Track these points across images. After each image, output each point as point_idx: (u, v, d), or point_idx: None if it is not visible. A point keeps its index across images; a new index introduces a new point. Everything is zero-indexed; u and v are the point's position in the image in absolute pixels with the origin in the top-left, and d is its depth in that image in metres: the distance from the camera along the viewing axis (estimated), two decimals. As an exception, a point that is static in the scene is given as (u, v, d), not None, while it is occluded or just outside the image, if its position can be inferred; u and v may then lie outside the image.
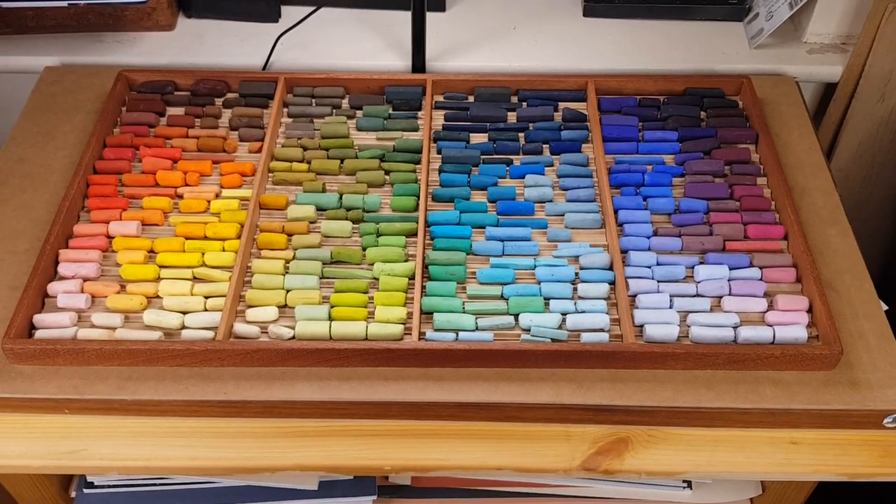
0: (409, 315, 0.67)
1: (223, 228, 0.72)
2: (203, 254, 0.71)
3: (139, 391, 0.64)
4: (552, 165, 0.79)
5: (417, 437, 0.64)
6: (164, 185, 0.77)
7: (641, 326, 0.66)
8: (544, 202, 0.76)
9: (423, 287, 0.68)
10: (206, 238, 0.73)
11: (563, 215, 0.74)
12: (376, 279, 0.70)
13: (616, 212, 0.74)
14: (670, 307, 0.67)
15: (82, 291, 0.69)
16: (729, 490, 0.80)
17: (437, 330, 0.66)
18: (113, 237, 0.73)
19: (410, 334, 0.66)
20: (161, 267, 0.71)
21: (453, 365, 0.65)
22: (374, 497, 0.72)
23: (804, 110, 0.87)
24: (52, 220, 0.73)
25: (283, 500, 0.73)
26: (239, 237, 0.72)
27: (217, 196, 0.76)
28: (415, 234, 0.73)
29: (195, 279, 0.70)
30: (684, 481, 0.80)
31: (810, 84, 0.98)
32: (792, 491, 0.80)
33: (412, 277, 0.69)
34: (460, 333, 0.65)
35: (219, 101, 0.85)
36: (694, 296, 0.68)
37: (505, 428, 0.65)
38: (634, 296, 0.68)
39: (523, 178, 0.78)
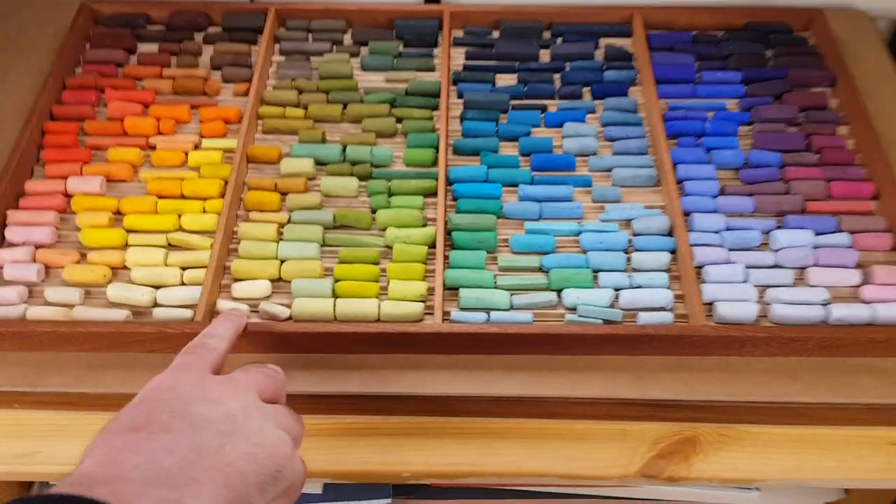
0: (430, 291, 0.55)
1: (203, 186, 0.60)
2: (179, 216, 0.59)
3: (103, 382, 0.53)
4: (594, 112, 0.67)
5: (442, 437, 0.54)
6: (133, 135, 0.65)
7: (711, 304, 0.55)
8: (587, 155, 0.64)
9: (446, 257, 0.57)
10: (182, 197, 0.61)
11: (610, 171, 0.62)
12: (389, 247, 0.58)
13: (674, 166, 0.62)
14: (745, 281, 0.56)
15: (34, 261, 0.57)
16: (803, 494, 0.69)
17: (463, 309, 0.55)
18: (72, 196, 0.61)
19: (432, 314, 0.54)
20: (129, 232, 0.59)
21: (484, 351, 0.53)
22: (390, 500, 0.62)
23: (884, 50, 0.75)
24: (-3, 175, 0.61)
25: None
26: (222, 196, 0.60)
27: (196, 147, 0.64)
28: (434, 194, 0.61)
29: (170, 247, 0.58)
30: (745, 480, 0.70)
31: (887, 20, 0.85)
32: (870, 498, 0.69)
33: (432, 246, 0.58)
34: (492, 313, 0.54)
35: (198, 36, 0.73)
36: (772, 267, 0.57)
37: (548, 426, 0.54)
38: (701, 267, 0.56)
39: (561, 126, 0.65)
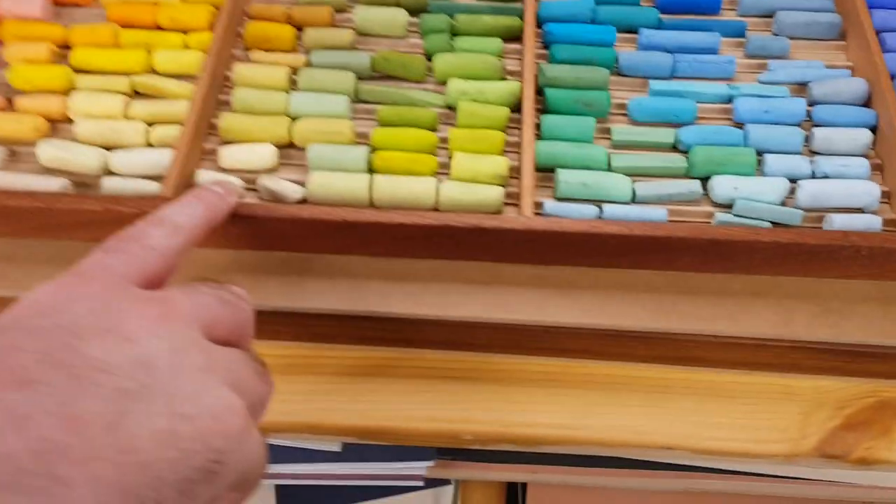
0: (514, 172, 0.38)
1: (187, 13, 0.42)
2: (150, 53, 0.41)
3: (25, 283, 0.35)
4: (742, -62, 0.48)
5: (522, 384, 0.37)
6: (91, -57, 0.46)
7: (937, 207, 0.37)
8: (736, -6, 0.45)
9: (537, 125, 0.39)
10: (158, 28, 0.42)
11: (771, 15, 0.43)
12: (452, 108, 0.40)
13: (870, 11, 0.42)
14: (985, 175, 0.37)
15: (-63, 106, 0.39)
16: None
17: (561, 199, 0.37)
18: (2, 20, 0.43)
19: (516, 205, 0.36)
20: (77, 71, 0.41)
21: (593, 262, 0.36)
22: (432, 463, 0.46)
23: None
24: None
25: (292, 462, 0.45)
26: (212, 29, 0.42)
27: (179, -38, 0.45)
28: (519, 37, 0.42)
29: (136, 94, 0.40)
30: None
31: None
32: None
33: (516, 109, 0.39)
34: (605, 207, 0.36)
35: None
36: None
37: (680, 376, 0.37)
38: (918, 153, 0.38)
39: (696, -46, 0.46)
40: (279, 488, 0.50)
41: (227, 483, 0.21)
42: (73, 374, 0.20)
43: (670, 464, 0.47)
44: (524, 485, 0.52)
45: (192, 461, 0.20)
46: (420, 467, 0.45)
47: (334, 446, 0.42)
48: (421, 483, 0.47)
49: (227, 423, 0.21)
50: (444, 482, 0.50)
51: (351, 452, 0.42)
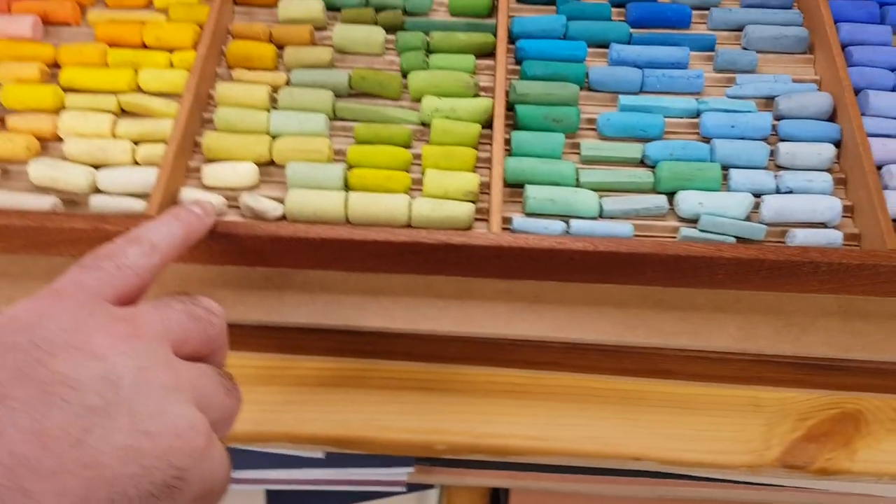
0: (484, 188, 0.39)
1: (172, 32, 0.43)
2: (137, 72, 0.42)
3: (17, 297, 0.37)
4: (716, -49, 0.48)
5: (492, 395, 0.38)
6: (81, -37, 0.48)
7: (898, 221, 0.37)
8: (706, 7, 0.45)
9: (507, 141, 0.40)
10: (144, 47, 0.44)
11: (741, 29, 0.44)
12: (426, 125, 0.41)
13: (836, 25, 0.43)
14: (946, 189, 0.38)
15: (-68, 126, 0.41)
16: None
17: (530, 215, 0.38)
18: (-8, 41, 0.44)
19: (485, 220, 0.38)
20: (67, 90, 0.42)
21: (560, 277, 0.37)
22: (411, 469, 0.47)
23: None
24: None
25: (279, 467, 0.47)
26: (196, 48, 0.43)
27: (165, -18, 0.47)
28: (491, 54, 0.43)
29: (122, 112, 0.42)
30: None
31: None
32: None
33: (487, 125, 0.40)
34: (572, 222, 0.37)
35: None
36: (985, 171, 0.39)
37: (648, 389, 0.38)
38: (881, 167, 0.39)
39: (670, -32, 0.47)
40: (269, 493, 0.51)
41: (188, 498, 0.23)
42: (42, 390, 0.21)
43: (649, 471, 0.48)
44: (507, 489, 0.53)
45: (154, 477, 0.21)
46: (401, 473, 0.46)
47: (318, 453, 0.43)
48: (403, 489, 0.48)
49: (189, 440, 0.23)
50: (429, 486, 0.52)
51: (334, 459, 0.43)
